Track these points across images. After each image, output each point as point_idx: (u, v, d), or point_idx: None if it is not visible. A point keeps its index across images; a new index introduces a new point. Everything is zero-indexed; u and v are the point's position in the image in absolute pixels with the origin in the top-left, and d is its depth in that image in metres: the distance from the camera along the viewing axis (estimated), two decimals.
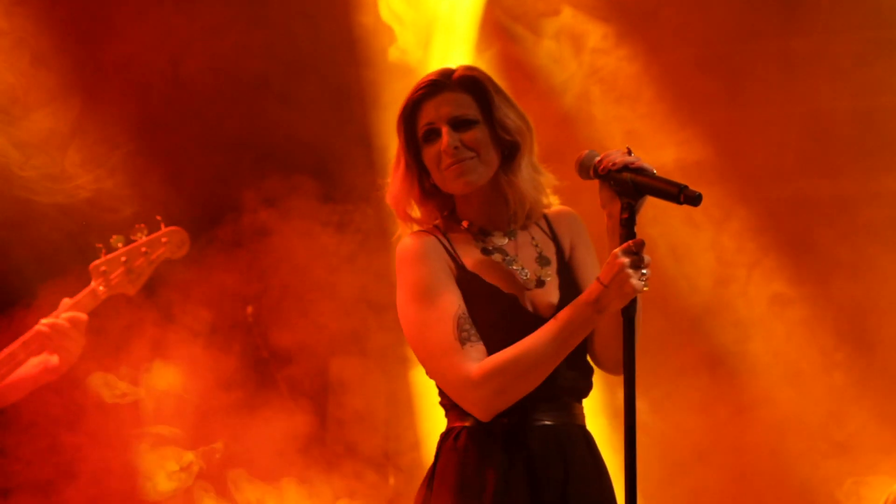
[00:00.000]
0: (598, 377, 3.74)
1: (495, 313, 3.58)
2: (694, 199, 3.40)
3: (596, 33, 7.17)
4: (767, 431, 7.03)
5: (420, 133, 3.69)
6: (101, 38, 7.01)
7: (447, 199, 3.75)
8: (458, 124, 3.67)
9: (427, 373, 3.61)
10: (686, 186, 3.41)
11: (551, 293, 3.68)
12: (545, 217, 3.82)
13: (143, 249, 5.35)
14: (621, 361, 3.47)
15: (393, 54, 7.22)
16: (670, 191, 3.42)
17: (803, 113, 7.28)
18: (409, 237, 3.66)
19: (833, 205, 7.18)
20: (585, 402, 3.73)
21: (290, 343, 7.16)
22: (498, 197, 3.71)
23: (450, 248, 3.64)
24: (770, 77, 7.30)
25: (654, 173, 3.47)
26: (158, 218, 5.41)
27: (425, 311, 3.55)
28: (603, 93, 7.12)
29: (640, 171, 3.46)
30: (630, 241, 3.42)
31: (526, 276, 3.67)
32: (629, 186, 3.45)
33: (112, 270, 5.31)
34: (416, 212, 3.75)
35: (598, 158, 3.52)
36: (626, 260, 3.41)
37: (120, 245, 5.32)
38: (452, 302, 3.55)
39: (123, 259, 5.32)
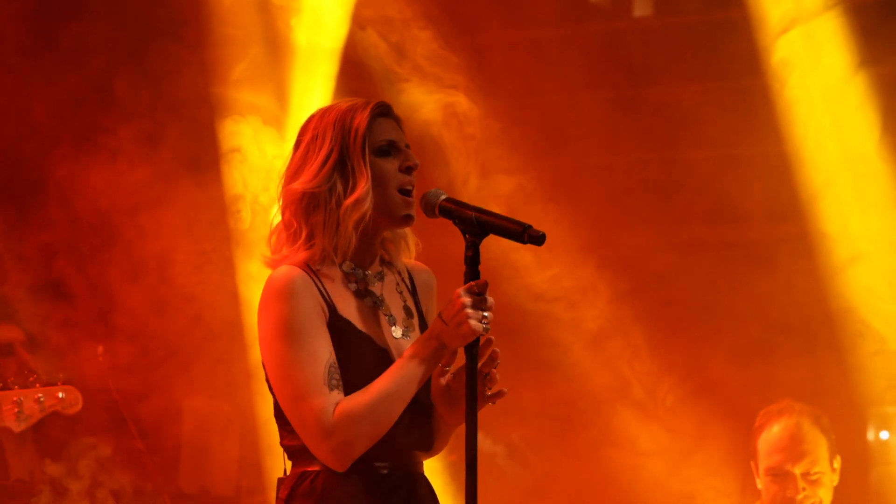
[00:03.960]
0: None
1: (365, 364, 3.46)
2: (537, 239, 3.38)
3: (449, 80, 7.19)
4: (623, 472, 7.07)
5: (376, 146, 3.55)
6: None
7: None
8: None
9: (286, 413, 3.44)
10: (530, 226, 3.39)
11: None
12: (407, 268, 3.74)
13: (38, 396, 5.46)
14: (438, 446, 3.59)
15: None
16: (514, 230, 3.40)
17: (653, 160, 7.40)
18: (281, 270, 3.46)
19: (687, 252, 7.27)
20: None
21: (142, 383, 7.07)
22: (377, 237, 3.61)
23: (321, 288, 3.48)
24: (621, 124, 7.40)
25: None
26: (60, 375, 5.54)
27: (294, 350, 3.39)
28: (461, 137, 7.13)
29: (484, 210, 3.44)
30: (473, 282, 3.38)
31: (394, 323, 3.59)
32: (473, 224, 3.41)
33: (4, 405, 5.42)
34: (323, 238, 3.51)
35: (443, 197, 3.50)
36: (466, 300, 3.36)
37: (16, 386, 5.43)
38: (324, 347, 3.41)
39: (16, 399, 5.42)
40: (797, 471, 5.33)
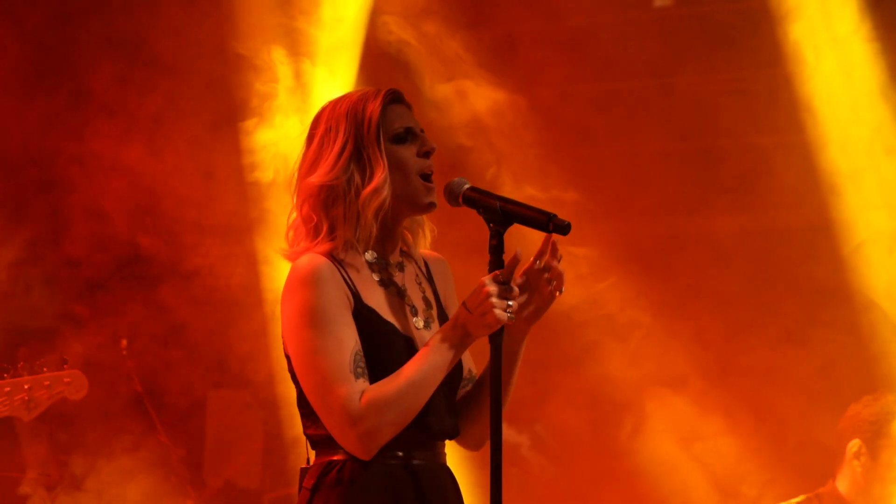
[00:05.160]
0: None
1: (390, 353, 3.45)
2: (563, 228, 3.37)
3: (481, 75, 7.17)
4: (651, 463, 7.06)
5: (392, 133, 3.54)
6: None
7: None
8: None
9: (311, 401, 3.43)
10: (555, 215, 3.38)
11: None
12: (423, 258, 3.72)
13: (47, 383, 5.47)
14: (483, 439, 3.56)
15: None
16: (539, 219, 3.39)
17: (681, 150, 7.38)
18: (306, 258, 3.45)
19: (713, 242, 7.27)
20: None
21: (165, 377, 7.09)
22: (398, 225, 3.60)
23: (346, 276, 3.47)
24: (650, 114, 7.38)
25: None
26: (65, 357, 5.52)
27: (321, 337, 3.38)
28: (485, 130, 7.10)
29: (509, 199, 3.44)
30: (498, 271, 3.37)
31: (416, 313, 3.58)
32: (498, 213, 3.41)
33: (16, 394, 5.41)
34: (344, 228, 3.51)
35: (467, 186, 3.50)
36: (492, 289, 3.35)
37: (25, 373, 5.43)
38: (350, 335, 3.40)
39: (27, 386, 5.41)
40: None
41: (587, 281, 7.01)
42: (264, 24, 7.10)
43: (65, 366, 5.49)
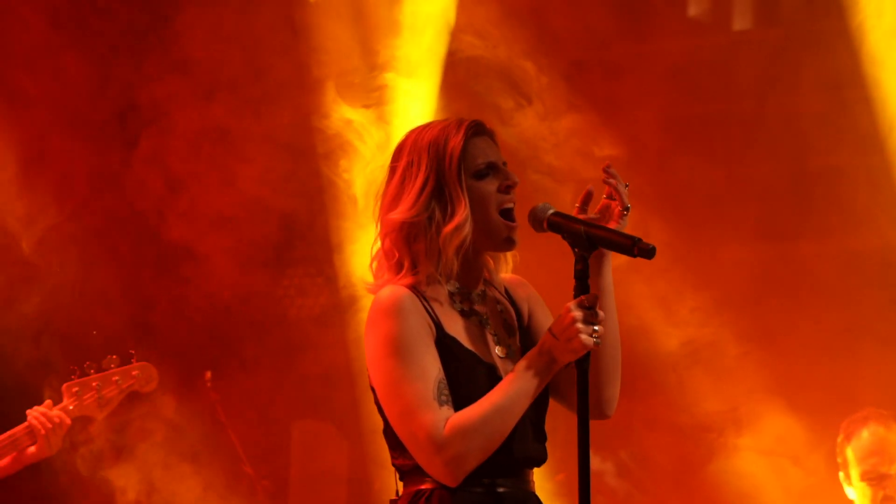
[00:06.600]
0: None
1: (474, 381, 3.46)
2: (647, 252, 3.38)
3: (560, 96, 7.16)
4: (740, 490, 7.00)
5: (474, 169, 3.55)
6: None
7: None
8: None
9: (396, 430, 3.44)
10: (640, 239, 3.39)
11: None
12: (503, 284, 3.72)
13: (115, 378, 5.46)
14: (607, 399, 3.58)
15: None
16: (624, 243, 3.40)
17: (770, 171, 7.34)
18: (388, 289, 3.47)
19: (789, 263, 7.22)
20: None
21: (249, 407, 7.13)
22: (479, 257, 3.61)
23: (428, 307, 3.49)
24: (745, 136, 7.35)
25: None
26: (132, 352, 5.51)
27: (404, 366, 3.39)
28: (564, 147, 7.10)
29: (593, 224, 3.45)
30: (583, 296, 3.38)
31: (498, 342, 3.59)
32: (582, 238, 3.41)
33: (84, 393, 5.40)
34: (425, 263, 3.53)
35: (551, 211, 3.50)
36: (577, 314, 3.35)
37: (92, 371, 5.43)
38: (433, 364, 3.41)
39: (95, 384, 5.41)
40: (893, 471, 5.57)
41: (681, 318, 6.99)
42: (343, 43, 7.13)
43: (132, 359, 5.48)
